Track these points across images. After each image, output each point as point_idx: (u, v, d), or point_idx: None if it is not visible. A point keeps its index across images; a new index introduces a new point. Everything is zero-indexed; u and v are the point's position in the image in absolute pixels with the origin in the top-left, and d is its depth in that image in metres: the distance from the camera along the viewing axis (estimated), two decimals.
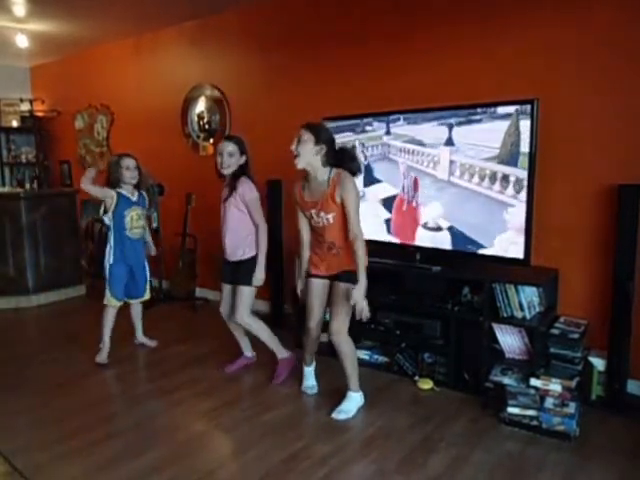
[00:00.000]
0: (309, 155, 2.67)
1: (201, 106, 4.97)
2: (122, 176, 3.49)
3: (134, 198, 3.58)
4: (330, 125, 3.71)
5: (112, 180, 3.50)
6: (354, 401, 2.89)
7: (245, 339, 3.47)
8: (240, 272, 3.16)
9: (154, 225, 5.06)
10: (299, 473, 2.35)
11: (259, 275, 3.12)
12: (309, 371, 3.19)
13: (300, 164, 2.70)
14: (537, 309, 2.93)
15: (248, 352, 3.51)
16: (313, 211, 2.76)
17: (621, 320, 2.83)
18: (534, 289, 2.92)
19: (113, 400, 3.15)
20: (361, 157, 3.40)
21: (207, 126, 4.97)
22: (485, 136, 3.00)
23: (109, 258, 3.54)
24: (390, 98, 3.59)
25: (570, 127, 3.01)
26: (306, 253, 2.95)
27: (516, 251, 2.97)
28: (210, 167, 4.90)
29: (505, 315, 2.95)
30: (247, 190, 3.07)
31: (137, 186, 3.60)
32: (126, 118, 5.79)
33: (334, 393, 3.03)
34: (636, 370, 2.91)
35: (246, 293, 3.15)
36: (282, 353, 3.29)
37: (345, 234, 2.71)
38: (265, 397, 3.05)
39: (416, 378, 3.22)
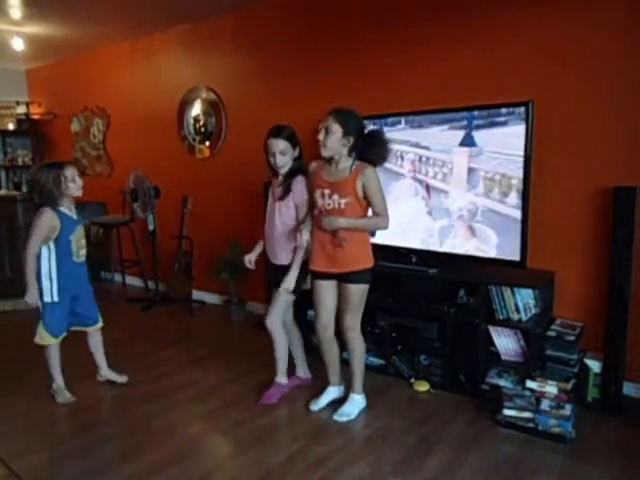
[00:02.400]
0: (336, 147, 2.59)
1: (197, 109, 4.98)
2: (68, 189, 2.88)
3: (74, 215, 3.01)
4: None
5: (49, 197, 2.84)
6: (356, 403, 2.88)
7: (301, 356, 3.26)
8: (281, 275, 2.94)
9: (150, 227, 5.06)
10: (296, 475, 2.35)
11: (289, 283, 2.86)
12: (328, 390, 2.98)
13: (326, 153, 2.62)
14: (533, 311, 2.94)
15: (301, 372, 3.27)
16: (327, 191, 2.64)
17: (617, 322, 2.83)
18: (530, 291, 2.92)
19: (109, 403, 3.14)
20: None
21: (203, 129, 4.97)
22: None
23: (51, 295, 2.93)
24: (390, 100, 3.60)
25: (566, 129, 3.02)
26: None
27: (512, 253, 2.98)
28: (206, 170, 4.98)
29: (501, 317, 2.96)
30: (302, 191, 2.84)
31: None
32: (122, 121, 5.79)
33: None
34: (632, 372, 2.91)
35: (282, 298, 2.95)
36: (282, 378, 3.10)
37: None
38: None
39: (412, 380, 3.22)
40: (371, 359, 3.48)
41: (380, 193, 2.62)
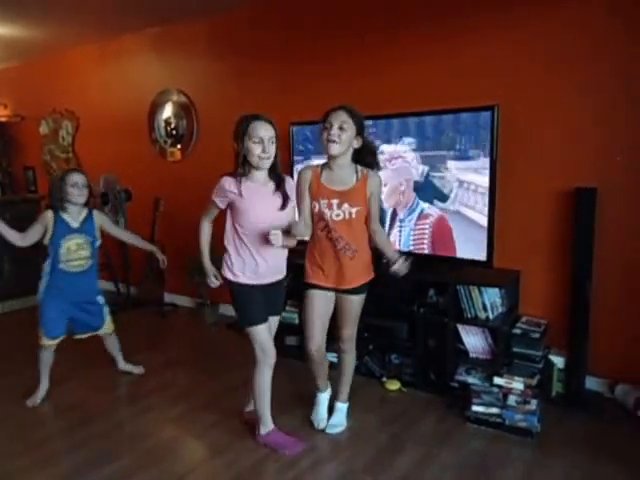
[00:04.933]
0: (347, 147, 2.42)
1: (168, 112, 4.95)
2: (68, 195, 2.99)
3: (75, 224, 3.05)
4: (297, 129, 3.78)
5: (54, 200, 3.02)
6: (344, 412, 2.81)
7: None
8: (280, 296, 2.65)
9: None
10: (269, 476, 2.38)
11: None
12: (322, 398, 2.83)
13: (336, 151, 2.40)
14: (500, 310, 3.02)
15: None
16: (335, 201, 2.42)
17: (579, 319, 2.93)
18: (497, 290, 3.00)
19: (81, 408, 3.09)
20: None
21: (174, 132, 4.95)
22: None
23: (41, 288, 3.07)
24: (362, 104, 3.63)
25: (529, 132, 3.10)
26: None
27: (479, 253, 3.06)
28: (177, 172, 4.95)
29: (469, 316, 3.03)
30: (292, 191, 2.51)
31: (86, 205, 3.12)
32: (92, 124, 5.71)
33: (302, 396, 3.06)
34: (594, 367, 3.01)
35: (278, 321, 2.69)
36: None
37: (365, 235, 2.52)
38: (234, 402, 3.04)
39: (384, 379, 3.27)
40: None
41: (379, 205, 2.55)
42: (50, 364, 3.15)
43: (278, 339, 3.84)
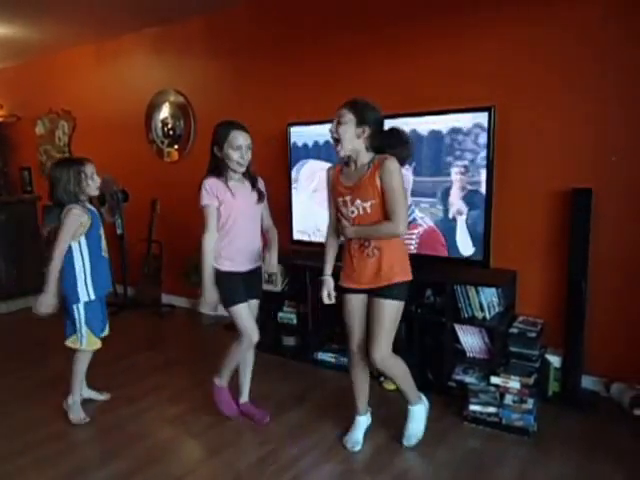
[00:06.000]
0: (351, 139, 2.30)
1: (165, 112, 4.95)
2: (87, 188, 2.78)
3: (97, 213, 2.93)
4: (294, 130, 3.79)
5: (66, 194, 2.73)
6: (418, 416, 2.62)
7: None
8: (259, 281, 2.87)
9: (119, 231, 5.02)
10: (267, 476, 2.38)
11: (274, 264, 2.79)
12: (360, 422, 2.68)
13: (343, 151, 2.32)
14: (497, 309, 3.03)
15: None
16: (348, 197, 2.35)
17: (575, 318, 2.95)
18: (493, 290, 3.01)
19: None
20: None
21: (171, 132, 4.95)
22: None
23: (87, 293, 2.79)
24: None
25: (525, 133, 3.12)
26: (331, 241, 2.59)
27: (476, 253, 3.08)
28: (175, 173, 4.95)
29: (466, 316, 3.05)
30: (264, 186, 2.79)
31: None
32: (88, 124, 5.71)
33: (299, 396, 3.07)
34: (590, 366, 3.04)
35: (256, 305, 2.86)
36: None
37: None
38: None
39: (381, 379, 3.28)
40: (341, 359, 3.53)
41: (398, 191, 2.25)
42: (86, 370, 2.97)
43: (276, 339, 3.90)
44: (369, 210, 2.31)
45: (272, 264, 2.76)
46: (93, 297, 2.81)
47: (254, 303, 2.81)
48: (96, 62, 5.47)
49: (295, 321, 3.77)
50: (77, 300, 2.78)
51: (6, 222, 4.99)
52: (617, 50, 2.82)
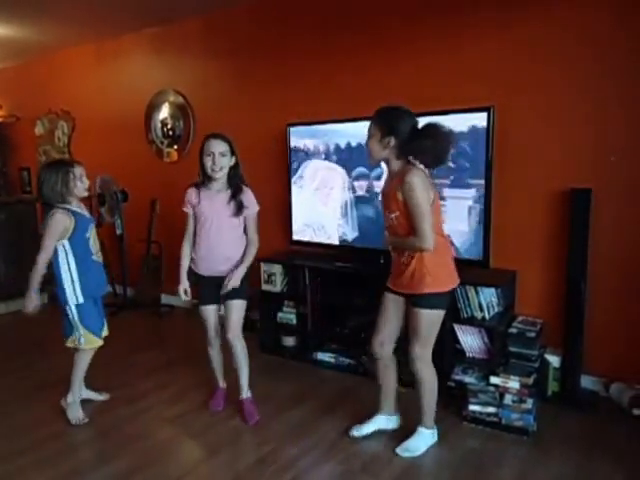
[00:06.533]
0: (378, 150, 2.31)
1: (165, 112, 4.95)
2: (75, 189, 2.77)
3: (87, 214, 2.91)
4: (294, 130, 3.79)
5: (53, 194, 2.70)
6: (424, 438, 2.57)
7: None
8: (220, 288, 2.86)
9: (118, 232, 5.02)
10: (267, 477, 2.38)
11: (237, 279, 2.78)
12: (376, 418, 2.70)
13: (371, 161, 2.40)
14: (496, 309, 3.03)
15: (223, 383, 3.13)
16: (380, 206, 2.42)
17: (575, 318, 2.95)
18: (493, 290, 3.01)
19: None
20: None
21: (171, 132, 4.95)
22: None
23: (74, 297, 2.78)
24: (360, 104, 3.65)
25: (524, 133, 3.12)
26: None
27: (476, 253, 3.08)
28: (174, 173, 4.95)
29: (466, 316, 3.05)
30: (254, 202, 2.81)
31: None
32: (88, 124, 5.71)
33: (298, 396, 3.07)
34: (589, 366, 3.04)
35: (244, 307, 2.89)
36: (246, 393, 2.95)
37: None
38: (232, 402, 3.05)
39: None
40: (341, 359, 3.53)
41: (418, 206, 2.20)
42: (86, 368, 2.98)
43: (276, 339, 3.90)
44: (395, 221, 2.32)
45: (233, 278, 2.76)
46: (82, 300, 2.80)
47: (236, 304, 2.83)
48: (96, 62, 5.47)
49: (294, 321, 3.77)
50: (67, 302, 2.80)
51: (5, 222, 4.99)
52: (617, 50, 2.83)
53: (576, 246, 2.91)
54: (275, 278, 3.76)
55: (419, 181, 2.20)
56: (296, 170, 3.84)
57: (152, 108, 5.03)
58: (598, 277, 2.98)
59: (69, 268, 2.77)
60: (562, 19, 2.95)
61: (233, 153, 2.73)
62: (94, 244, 2.88)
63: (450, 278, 2.42)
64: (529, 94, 3.09)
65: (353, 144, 3.49)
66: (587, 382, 3.07)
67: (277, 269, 3.75)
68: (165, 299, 5.05)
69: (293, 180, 3.86)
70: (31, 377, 3.49)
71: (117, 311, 4.93)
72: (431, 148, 2.21)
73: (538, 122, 3.08)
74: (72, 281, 2.78)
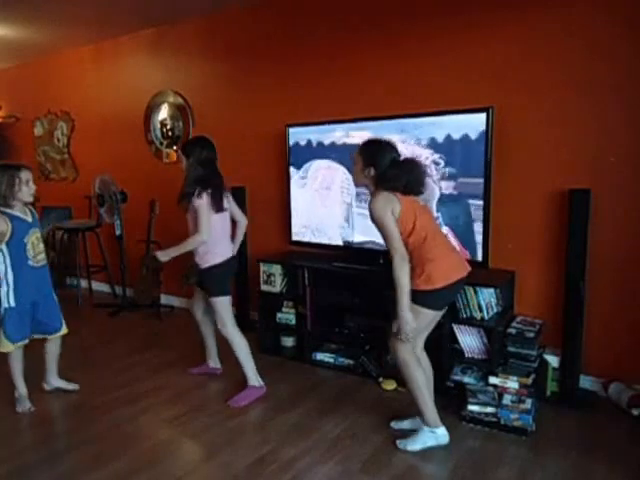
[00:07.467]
0: (359, 177, 2.54)
1: (164, 113, 4.95)
2: (20, 193, 2.80)
3: (29, 218, 2.92)
4: (293, 131, 3.80)
5: (1, 198, 2.77)
6: (422, 437, 2.59)
7: (214, 349, 3.49)
8: (205, 282, 3.22)
9: (117, 232, 5.02)
10: (266, 477, 2.38)
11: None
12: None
13: (354, 182, 2.65)
14: (495, 310, 3.04)
15: (212, 362, 3.51)
16: None
17: (574, 318, 2.95)
18: (492, 290, 3.02)
19: (77, 410, 3.09)
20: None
21: (170, 133, 4.96)
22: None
23: (8, 300, 2.87)
24: (356, 106, 3.66)
25: (523, 134, 3.12)
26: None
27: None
28: (173, 174, 4.93)
29: (465, 316, 3.05)
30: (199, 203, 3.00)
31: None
32: (87, 125, 5.71)
33: (297, 396, 3.07)
34: (588, 366, 3.04)
35: (218, 304, 3.15)
36: (254, 381, 3.14)
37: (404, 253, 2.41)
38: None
39: (380, 379, 3.29)
40: (340, 359, 3.54)
41: (382, 227, 2.40)
42: (22, 367, 3.05)
43: (275, 339, 3.90)
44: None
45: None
46: (13, 304, 2.88)
47: (213, 302, 3.17)
48: (95, 63, 5.47)
49: (294, 322, 3.78)
50: (3, 304, 2.89)
51: None
52: (617, 50, 2.83)
53: (575, 247, 2.91)
54: (274, 278, 3.76)
55: (379, 205, 2.39)
56: (298, 168, 3.84)
57: (151, 109, 5.04)
58: (597, 277, 2.98)
59: (6, 272, 2.85)
60: (562, 19, 2.95)
61: (187, 156, 3.08)
62: (32, 249, 2.90)
63: (439, 278, 2.47)
64: (529, 94, 3.09)
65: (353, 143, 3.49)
66: (586, 382, 3.08)
67: (276, 269, 3.75)
68: (165, 299, 5.05)
69: (293, 180, 3.87)
70: (29, 379, 3.48)
71: (117, 311, 4.94)
72: (402, 179, 2.41)
73: (538, 123, 3.09)
74: (7, 284, 2.87)
